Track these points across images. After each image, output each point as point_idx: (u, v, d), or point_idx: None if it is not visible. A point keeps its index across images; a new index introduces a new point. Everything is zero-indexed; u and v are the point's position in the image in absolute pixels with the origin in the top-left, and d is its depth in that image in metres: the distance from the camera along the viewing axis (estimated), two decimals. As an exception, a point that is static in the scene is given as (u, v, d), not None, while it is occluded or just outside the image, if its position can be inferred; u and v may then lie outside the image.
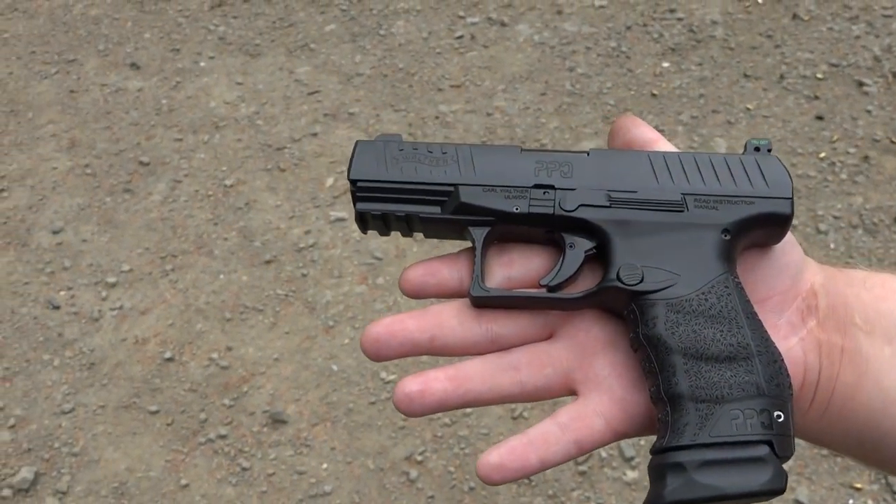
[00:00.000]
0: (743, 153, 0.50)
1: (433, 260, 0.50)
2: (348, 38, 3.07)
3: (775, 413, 0.42)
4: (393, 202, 0.49)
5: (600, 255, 0.48)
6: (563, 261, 0.48)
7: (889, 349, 0.41)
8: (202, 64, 2.99)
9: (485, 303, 0.48)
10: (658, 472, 0.43)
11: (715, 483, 0.40)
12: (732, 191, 0.47)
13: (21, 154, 2.69)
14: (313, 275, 2.33)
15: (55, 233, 2.46)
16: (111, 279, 2.33)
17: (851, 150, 2.55)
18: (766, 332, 0.45)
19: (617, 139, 0.52)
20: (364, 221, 0.51)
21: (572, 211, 0.48)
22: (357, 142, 0.51)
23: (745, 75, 2.80)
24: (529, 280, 0.50)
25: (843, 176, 2.47)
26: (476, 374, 0.47)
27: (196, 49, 3.05)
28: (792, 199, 0.48)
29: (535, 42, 2.99)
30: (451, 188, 0.49)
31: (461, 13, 3.11)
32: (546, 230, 0.49)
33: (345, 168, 2.59)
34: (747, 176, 0.48)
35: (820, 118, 2.65)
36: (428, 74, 2.90)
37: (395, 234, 0.53)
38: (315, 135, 2.72)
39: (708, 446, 0.42)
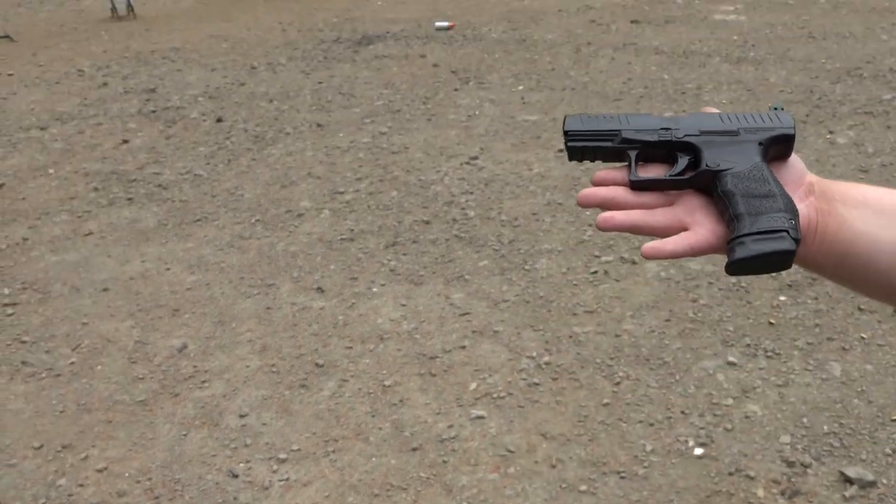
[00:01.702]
0: (768, 111, 0.83)
1: (608, 169, 0.83)
2: (498, 272, 3.57)
3: (790, 219, 0.72)
4: (586, 141, 0.83)
5: (695, 164, 0.81)
6: (676, 164, 0.81)
7: (855, 211, 0.73)
8: (374, 290, 3.55)
9: (637, 185, 0.81)
10: (731, 247, 0.73)
11: (760, 247, 0.71)
12: (763, 125, 0.81)
13: (223, 354, 3.26)
14: (452, 462, 2.63)
15: (241, 416, 2.93)
16: (282, 456, 2.73)
17: (966, 375, 2.65)
18: (784, 189, 0.76)
19: None
20: (571, 153, 0.85)
21: (682, 138, 0.82)
22: (566, 115, 0.86)
23: (860, 308, 3.01)
24: None
25: (958, 398, 2.57)
26: (633, 213, 0.80)
27: (370, 278, 3.63)
28: (794, 127, 0.80)
29: (661, 277, 3.36)
30: (618, 132, 0.83)
31: (597, 253, 3.57)
32: (668, 151, 0.82)
33: (486, 375, 2.98)
34: (771, 119, 0.81)
35: (934, 347, 2.79)
36: (565, 302, 3.31)
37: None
38: (463, 347, 3.13)
39: (756, 233, 0.72)
